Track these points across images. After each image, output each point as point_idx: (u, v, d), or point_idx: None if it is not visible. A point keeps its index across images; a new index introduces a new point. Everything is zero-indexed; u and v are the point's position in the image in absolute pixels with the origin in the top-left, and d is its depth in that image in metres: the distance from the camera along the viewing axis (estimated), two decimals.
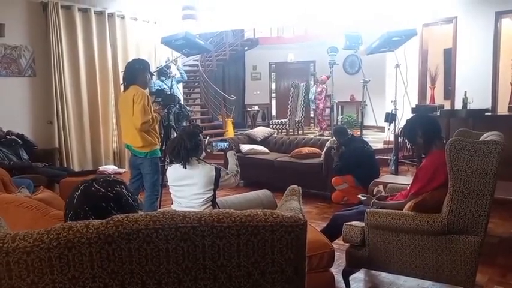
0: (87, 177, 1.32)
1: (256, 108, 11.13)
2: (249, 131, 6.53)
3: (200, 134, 2.66)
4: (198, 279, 0.94)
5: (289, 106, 9.90)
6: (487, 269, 2.73)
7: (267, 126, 8.79)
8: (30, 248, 0.88)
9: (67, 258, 0.88)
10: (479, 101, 5.67)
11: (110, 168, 4.92)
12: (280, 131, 9.54)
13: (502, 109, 5.97)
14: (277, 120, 10.28)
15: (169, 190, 2.71)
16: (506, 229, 3.61)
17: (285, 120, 9.81)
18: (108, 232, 0.89)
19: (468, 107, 5.53)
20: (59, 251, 0.88)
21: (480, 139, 2.30)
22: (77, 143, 5.48)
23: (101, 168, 4.89)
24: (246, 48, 12.05)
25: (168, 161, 3.54)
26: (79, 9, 5.44)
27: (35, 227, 0.99)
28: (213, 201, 2.62)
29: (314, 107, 9.89)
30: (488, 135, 2.33)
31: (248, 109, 11.39)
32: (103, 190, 1.20)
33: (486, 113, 5.46)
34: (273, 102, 12.83)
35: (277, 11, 7.00)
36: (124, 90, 3.54)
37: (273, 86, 12.89)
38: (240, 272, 0.95)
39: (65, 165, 5.21)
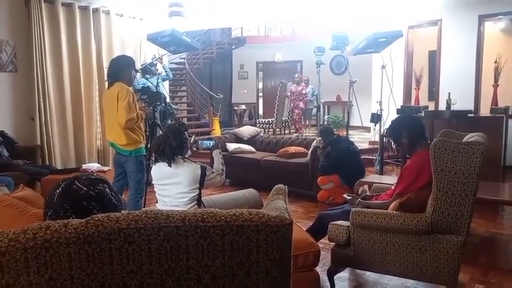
0: (69, 175, 1.28)
1: (243, 107, 11.11)
2: (236, 130, 6.51)
3: (185, 132, 2.63)
4: (181, 280, 0.92)
5: (276, 105, 9.90)
6: (469, 268, 2.76)
7: (254, 125, 8.77)
8: (5, 249, 0.85)
9: (44, 259, 0.85)
10: (463, 102, 5.77)
11: (93, 166, 4.84)
12: (267, 130, 9.54)
13: (485, 110, 6.08)
14: (264, 120, 10.28)
15: (154, 189, 2.67)
16: (487, 229, 3.67)
17: (272, 119, 9.81)
18: (87, 232, 0.86)
19: (452, 108, 5.62)
20: (36, 251, 0.85)
21: (463, 140, 2.33)
22: (59, 140, 5.36)
23: (84, 166, 4.81)
24: (233, 46, 12.02)
25: (153, 159, 3.50)
26: (62, 4, 5.32)
27: (13, 226, 0.96)
28: (199, 200, 2.59)
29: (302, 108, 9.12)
30: (471, 136, 2.35)
31: (235, 108, 11.37)
32: (85, 188, 1.16)
33: (469, 114, 5.55)
34: (260, 101, 12.84)
35: (265, 10, 6.99)
36: (108, 87, 3.48)
37: (260, 85, 12.90)
38: (225, 273, 0.93)
39: (47, 163, 5.09)
